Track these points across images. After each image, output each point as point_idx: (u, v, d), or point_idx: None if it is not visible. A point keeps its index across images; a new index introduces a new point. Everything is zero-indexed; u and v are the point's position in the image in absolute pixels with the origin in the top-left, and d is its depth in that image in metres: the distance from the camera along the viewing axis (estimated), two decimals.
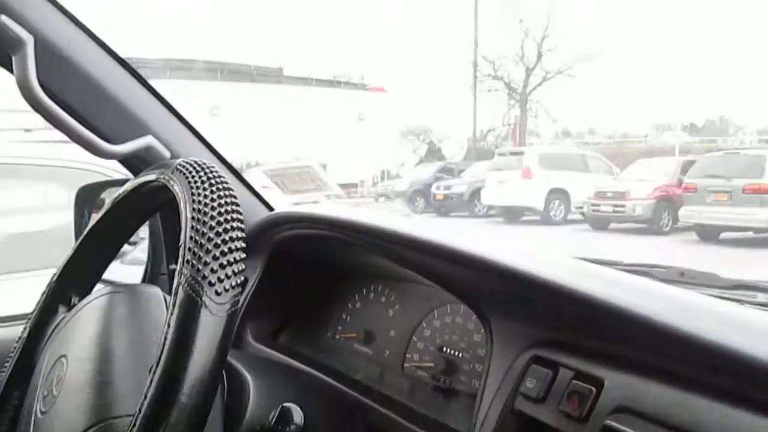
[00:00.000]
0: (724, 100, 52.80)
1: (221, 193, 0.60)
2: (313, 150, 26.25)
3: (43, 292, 0.85)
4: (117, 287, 0.79)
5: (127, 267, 1.33)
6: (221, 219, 0.57)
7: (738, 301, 0.86)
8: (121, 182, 0.99)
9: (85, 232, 0.83)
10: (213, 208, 0.58)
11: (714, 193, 11.77)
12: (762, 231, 10.84)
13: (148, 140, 1.02)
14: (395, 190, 19.81)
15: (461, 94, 27.44)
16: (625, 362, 0.60)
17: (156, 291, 0.78)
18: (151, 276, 1.27)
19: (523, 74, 27.26)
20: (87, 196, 1.31)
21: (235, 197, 0.60)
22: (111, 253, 0.86)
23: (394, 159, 28.56)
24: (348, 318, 1.09)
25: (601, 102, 26.63)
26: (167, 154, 1.05)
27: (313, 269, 1.12)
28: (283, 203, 1.27)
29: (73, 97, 0.98)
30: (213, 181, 0.61)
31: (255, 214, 1.15)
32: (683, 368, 0.56)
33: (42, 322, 0.83)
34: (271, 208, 1.19)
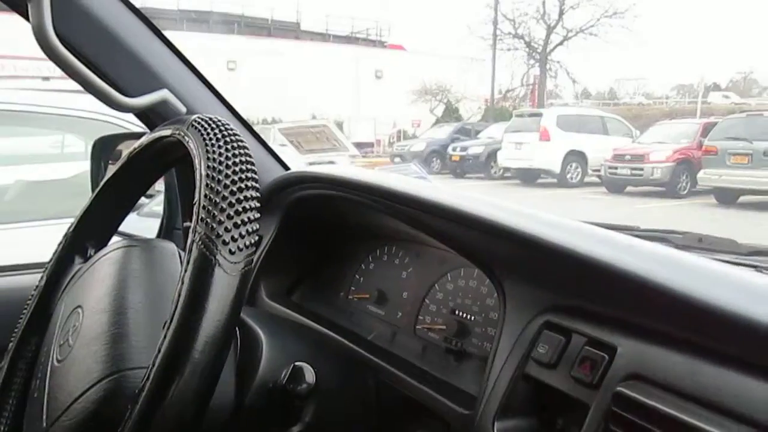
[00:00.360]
0: (750, 59, 51.41)
1: (236, 152, 0.59)
2: (329, 107, 26.15)
3: (60, 243, 0.86)
4: (133, 241, 0.80)
5: (144, 219, 1.34)
6: (236, 177, 0.57)
7: (755, 267, 0.85)
8: (137, 135, 0.99)
9: (101, 185, 0.84)
10: (228, 166, 0.57)
11: (734, 155, 11.59)
12: None
13: (163, 94, 1.02)
14: (411, 151, 19.67)
15: (481, 52, 26.93)
16: (639, 329, 0.59)
17: (171, 246, 0.79)
18: (166, 231, 1.28)
19: (543, 33, 26.73)
20: (103, 148, 1.31)
21: (250, 155, 0.60)
22: (126, 206, 0.86)
23: (411, 118, 28.32)
24: (361, 279, 1.09)
25: (623, 62, 26.09)
26: (183, 109, 1.04)
27: (328, 229, 1.12)
28: (299, 162, 1.27)
29: (90, 47, 0.98)
30: (228, 139, 0.60)
31: (270, 172, 1.14)
32: (696, 336, 0.55)
33: (58, 271, 0.84)
34: (286, 167, 1.19)
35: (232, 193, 0.56)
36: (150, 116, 1.06)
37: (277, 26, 33.19)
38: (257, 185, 0.58)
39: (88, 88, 0.93)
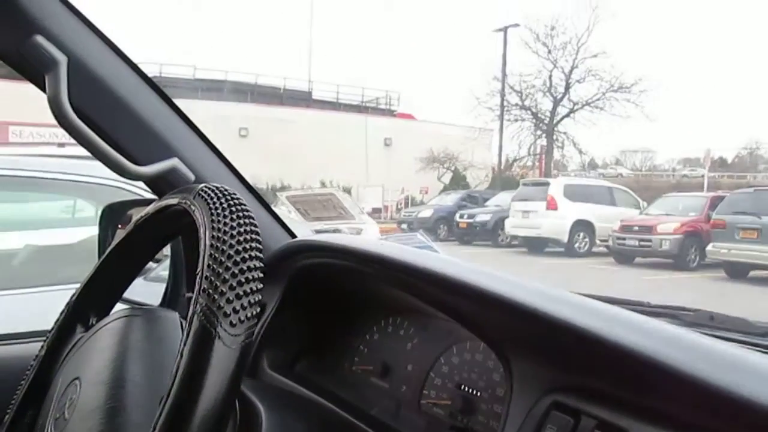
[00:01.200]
0: (756, 134, 52.15)
1: (241, 221, 0.59)
2: (338, 174, 26.47)
3: (63, 311, 0.85)
4: (135, 310, 0.79)
5: (150, 284, 1.33)
6: (240, 248, 0.57)
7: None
8: (147, 202, 0.99)
9: (106, 253, 0.84)
10: (232, 237, 0.57)
11: (743, 230, 11.56)
12: None
13: (173, 162, 1.03)
14: (419, 217, 19.78)
15: (488, 122, 27.40)
16: (650, 412, 0.57)
17: (173, 316, 0.78)
18: (170, 298, 1.27)
19: (550, 105, 27.25)
20: (112, 215, 1.32)
21: (255, 225, 0.60)
22: (131, 274, 0.86)
23: (419, 185, 28.59)
24: (365, 350, 1.07)
25: (629, 135, 26.50)
26: (191, 177, 1.05)
27: (332, 298, 1.10)
28: (305, 229, 1.27)
29: (103, 117, 1.00)
30: (234, 209, 0.60)
31: (276, 240, 1.14)
32: (712, 422, 0.53)
33: (59, 341, 0.83)
34: (293, 235, 1.19)
35: (236, 263, 0.56)
36: (159, 184, 1.06)
37: (289, 95, 34.01)
38: (261, 255, 0.58)
39: (99, 156, 0.94)
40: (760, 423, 0.50)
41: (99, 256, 0.91)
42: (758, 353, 0.70)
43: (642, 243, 13.07)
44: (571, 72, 26.66)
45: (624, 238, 13.38)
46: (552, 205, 14.63)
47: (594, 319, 0.66)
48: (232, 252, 0.56)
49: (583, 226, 14.68)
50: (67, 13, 0.94)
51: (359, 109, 34.55)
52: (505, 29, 25.84)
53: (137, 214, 0.84)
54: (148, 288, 1.30)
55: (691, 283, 11.20)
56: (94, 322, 0.82)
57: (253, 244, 0.58)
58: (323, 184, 26.18)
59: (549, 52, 26.75)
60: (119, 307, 0.84)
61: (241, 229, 0.58)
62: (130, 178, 1.01)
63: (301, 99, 33.92)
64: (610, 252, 13.59)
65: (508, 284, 0.76)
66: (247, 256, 0.56)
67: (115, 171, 0.97)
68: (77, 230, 2.84)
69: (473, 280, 0.78)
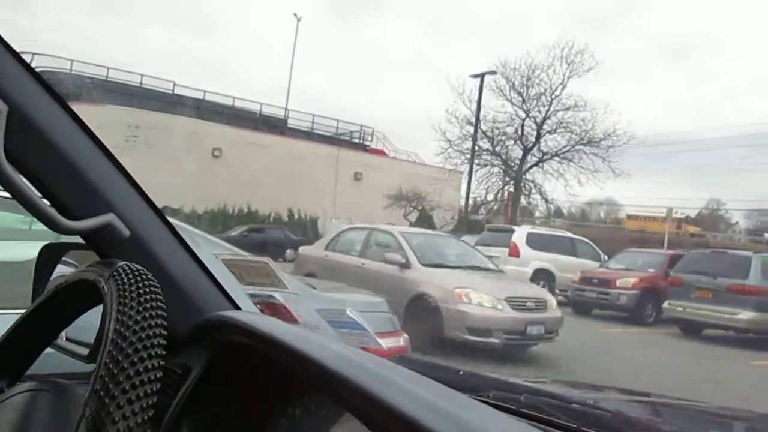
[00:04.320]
0: (719, 194, 53.89)
1: (147, 314, 0.57)
2: (306, 203, 26.44)
3: None
4: (43, 384, 0.75)
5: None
6: (140, 346, 0.55)
7: None
8: (85, 246, 0.96)
9: (19, 319, 0.80)
10: (134, 333, 0.55)
11: (698, 289, 11.82)
12: (743, 332, 10.82)
13: (108, 218, 1.00)
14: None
15: (459, 165, 27.71)
16: None
17: (81, 392, 0.75)
18: (95, 349, 1.22)
19: (520, 153, 27.70)
20: (50, 255, 1.27)
21: (162, 316, 0.58)
22: (44, 342, 0.82)
23: (386, 221, 28.67)
24: (288, 426, 1.05)
25: (595, 187, 27.01)
26: (126, 233, 1.02)
27: (258, 370, 1.07)
28: (240, 292, 1.23)
29: (39, 168, 0.96)
30: (143, 299, 0.58)
31: (212, 305, 1.09)
32: None
33: None
34: (230, 299, 1.15)
35: (132, 363, 0.54)
36: (94, 239, 1.03)
37: (265, 121, 34.07)
38: (162, 352, 0.56)
39: (31, 209, 0.91)
40: None
41: (32, 300, 0.87)
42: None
43: (600, 295, 13.24)
44: (543, 122, 27.21)
45: (583, 290, 13.54)
46: (514, 252, 14.77)
47: None
48: (131, 351, 0.54)
49: (543, 274, 14.82)
50: (9, 60, 0.92)
51: (332, 141, 34.71)
52: (482, 75, 26.33)
53: (76, 257, 0.80)
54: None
55: (645, 339, 11.35)
56: (4, 387, 0.78)
57: (156, 341, 0.56)
58: (291, 213, 26.11)
59: (523, 101, 27.31)
60: (49, 351, 0.80)
61: (145, 324, 0.56)
62: (62, 233, 0.97)
63: (276, 126, 33.98)
64: (569, 302, 13.72)
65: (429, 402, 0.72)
66: (146, 355, 0.54)
67: (47, 225, 0.94)
68: (33, 244, 2.73)
69: (390, 397, 0.69)
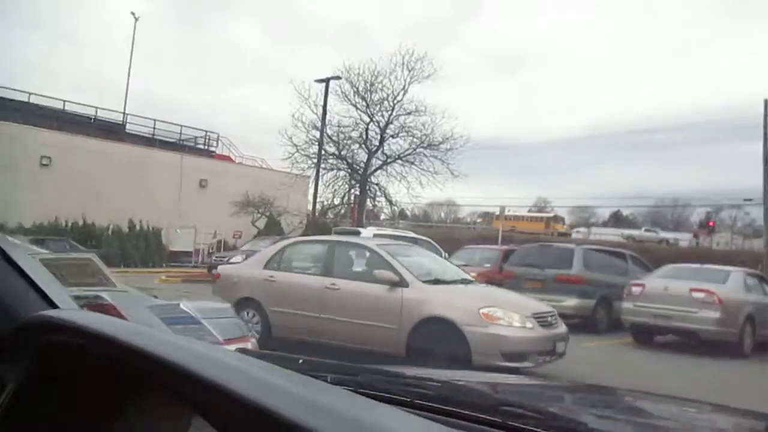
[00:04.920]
0: (545, 193, 58.57)
1: None
2: (149, 213, 25.18)
3: None
4: None
5: None
6: None
7: None
8: None
9: None
10: None
11: (529, 280, 12.80)
12: (570, 317, 11.78)
13: None
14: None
15: (306, 169, 27.71)
16: None
17: None
18: None
19: (365, 156, 28.28)
20: None
21: None
22: None
23: (233, 229, 28.06)
24: (121, 426, 1.03)
25: (436, 189, 28.18)
26: None
27: (89, 369, 1.01)
28: (65, 296, 1.17)
29: None
30: None
31: (30, 308, 1.06)
32: None
33: None
34: (49, 300, 1.11)
35: None
36: None
37: (101, 126, 32.01)
38: None
39: None
40: None
41: None
42: None
43: None
44: (386, 127, 27.95)
45: None
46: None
47: None
48: None
49: None
50: None
51: (176, 147, 33.36)
52: (327, 80, 26.51)
53: None
54: None
55: None
56: None
57: None
58: (132, 224, 24.76)
59: (367, 106, 27.87)
60: None
61: None
62: None
63: (114, 131, 32.04)
64: None
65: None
66: None
67: None
68: None
69: (212, 376, 0.74)
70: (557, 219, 47.41)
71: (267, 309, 7.86)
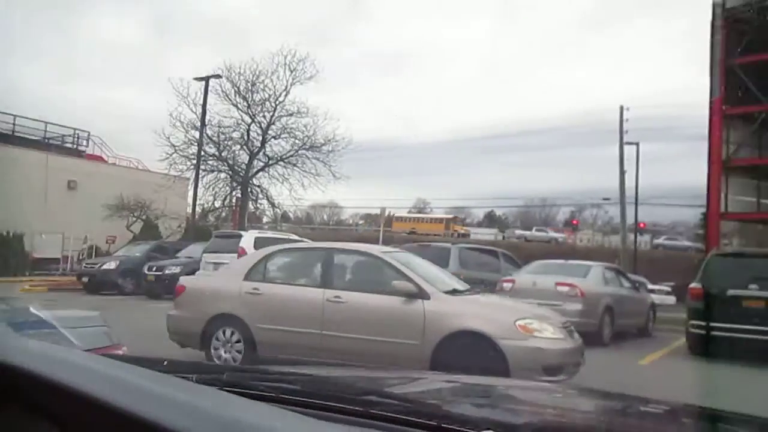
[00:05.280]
0: (423, 195, 60.28)
1: None
2: (9, 218, 23.36)
3: None
4: None
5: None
6: None
7: None
8: None
9: None
10: None
11: None
12: None
13: None
14: (102, 269, 18.40)
15: (185, 171, 26.83)
16: None
17: None
18: None
19: (247, 158, 27.86)
20: None
21: None
22: None
23: (106, 234, 26.62)
24: None
25: (318, 191, 28.23)
26: None
27: None
28: None
29: None
30: None
31: None
32: None
33: None
34: None
35: None
36: None
37: None
38: None
39: None
40: None
41: None
42: None
43: None
44: (268, 128, 27.68)
45: None
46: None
47: None
48: None
49: None
50: None
51: (40, 145, 31.15)
52: (207, 79, 25.82)
53: None
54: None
55: None
56: None
57: None
58: None
59: (249, 106, 27.46)
60: None
61: None
62: None
63: None
64: None
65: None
66: None
67: None
68: None
69: (70, 381, 0.75)
70: (456, 221, 49.42)
71: (252, 326, 6.92)
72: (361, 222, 52.15)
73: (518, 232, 45.99)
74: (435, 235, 37.16)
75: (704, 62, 22.22)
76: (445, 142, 72.14)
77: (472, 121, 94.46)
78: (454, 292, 6.82)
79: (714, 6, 22.31)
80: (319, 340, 6.59)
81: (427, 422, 1.01)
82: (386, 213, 29.07)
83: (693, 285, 10.26)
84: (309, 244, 9.32)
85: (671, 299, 20.48)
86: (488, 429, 0.96)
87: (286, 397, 1.08)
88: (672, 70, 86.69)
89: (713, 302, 9.70)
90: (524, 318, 6.32)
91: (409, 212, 52.58)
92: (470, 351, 5.95)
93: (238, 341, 6.99)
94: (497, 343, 5.97)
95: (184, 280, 8.29)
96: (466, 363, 5.53)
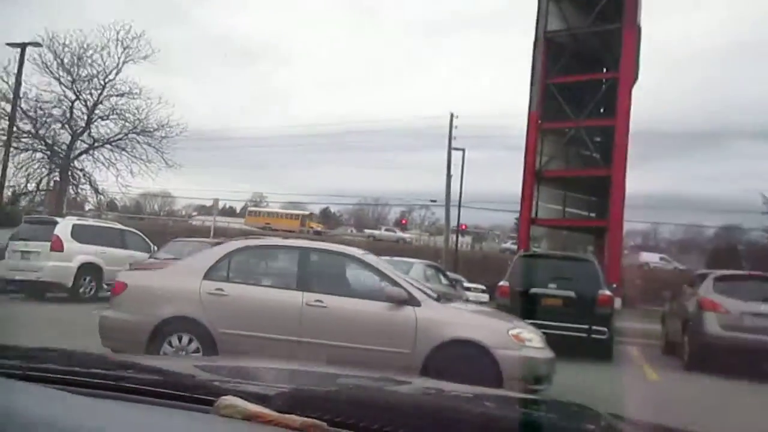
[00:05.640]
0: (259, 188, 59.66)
1: None
2: None
3: None
4: None
5: None
6: None
7: None
8: None
9: None
10: None
11: None
12: None
13: None
14: None
15: None
16: None
17: None
18: None
19: (69, 138, 25.87)
20: None
21: None
22: None
23: None
24: None
25: (148, 178, 26.81)
26: None
27: None
28: None
29: None
30: None
31: None
32: None
33: None
34: None
35: None
36: None
37: None
38: None
39: None
40: None
41: None
42: None
43: None
44: (95, 107, 25.91)
45: None
46: (57, 246, 13.84)
47: None
48: None
49: (90, 269, 14.29)
50: None
51: None
52: (23, 45, 23.41)
53: None
54: None
55: None
56: None
57: None
58: None
59: (73, 81, 25.49)
60: None
61: None
62: None
63: None
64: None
65: None
66: None
67: None
68: None
69: None
70: (312, 217, 49.93)
71: (214, 331, 6.15)
72: (194, 213, 50.42)
73: (368, 231, 49.02)
74: (290, 231, 37.23)
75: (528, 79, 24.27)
76: (286, 137, 72.18)
77: (314, 119, 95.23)
78: (439, 299, 6.68)
79: (537, 28, 24.44)
80: (297, 349, 6.02)
81: (173, 392, 1.12)
82: (218, 204, 28.40)
83: (501, 283, 11.21)
84: (282, 242, 8.13)
85: (485, 297, 22.11)
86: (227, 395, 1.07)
87: (39, 374, 1.15)
88: (504, 83, 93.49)
89: (518, 299, 10.65)
90: (516, 327, 6.28)
91: (246, 206, 51.91)
92: (462, 361, 5.82)
93: (196, 350, 6.17)
94: (492, 352, 5.87)
95: (124, 275, 7.13)
96: (459, 373, 5.31)
